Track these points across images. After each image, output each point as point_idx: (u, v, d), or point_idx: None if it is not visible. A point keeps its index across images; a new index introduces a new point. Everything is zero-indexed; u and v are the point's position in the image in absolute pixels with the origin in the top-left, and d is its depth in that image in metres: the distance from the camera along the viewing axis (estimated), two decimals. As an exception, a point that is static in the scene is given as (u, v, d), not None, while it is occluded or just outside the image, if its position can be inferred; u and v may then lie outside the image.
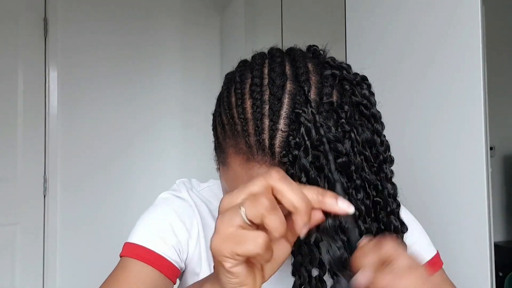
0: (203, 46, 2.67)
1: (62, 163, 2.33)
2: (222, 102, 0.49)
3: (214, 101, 0.56)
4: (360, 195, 0.42)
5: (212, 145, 0.54)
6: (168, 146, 2.57)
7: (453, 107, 0.91)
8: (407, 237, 0.49)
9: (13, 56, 2.23)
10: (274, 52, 0.49)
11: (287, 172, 0.41)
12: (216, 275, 0.36)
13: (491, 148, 0.87)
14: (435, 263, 0.66)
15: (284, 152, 0.42)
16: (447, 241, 0.92)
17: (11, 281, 2.19)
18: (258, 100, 0.44)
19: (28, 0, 2.28)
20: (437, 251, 0.67)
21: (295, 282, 0.43)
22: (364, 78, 0.47)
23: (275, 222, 0.32)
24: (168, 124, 2.58)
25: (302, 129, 0.41)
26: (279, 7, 2.03)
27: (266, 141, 0.43)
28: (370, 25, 1.20)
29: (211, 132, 0.54)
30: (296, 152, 0.41)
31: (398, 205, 0.47)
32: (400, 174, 0.51)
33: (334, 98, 0.44)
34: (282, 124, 0.43)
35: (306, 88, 0.43)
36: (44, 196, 2.30)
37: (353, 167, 0.41)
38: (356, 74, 0.47)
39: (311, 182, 0.40)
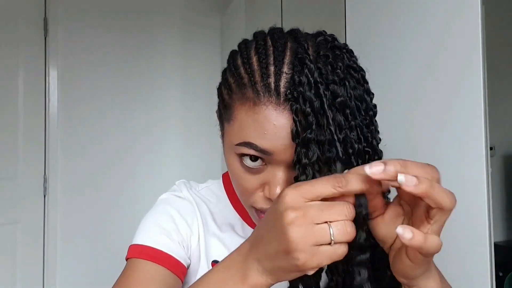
0: (203, 46, 2.67)
1: (62, 163, 2.33)
2: (229, 68, 0.53)
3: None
4: (354, 135, 0.46)
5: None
6: (168, 145, 2.57)
7: (453, 107, 0.91)
8: None
9: (13, 56, 2.24)
10: (273, 28, 0.55)
11: (291, 108, 0.45)
12: (268, 271, 0.40)
13: (491, 148, 0.87)
14: None
15: (289, 90, 0.46)
16: (447, 241, 0.91)
17: (11, 280, 2.19)
18: (263, 55, 0.49)
19: (28, 0, 2.28)
20: None
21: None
22: (352, 50, 0.52)
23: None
24: (168, 124, 2.58)
25: (306, 70, 0.45)
26: (279, 7, 2.03)
27: (272, 84, 0.47)
28: (370, 25, 1.20)
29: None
30: (300, 88, 0.45)
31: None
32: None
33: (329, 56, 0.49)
34: (286, 68, 0.48)
35: (305, 45, 0.48)
36: (44, 196, 2.30)
37: (348, 110, 0.45)
38: (345, 44, 0.52)
39: (315, 112, 0.44)
